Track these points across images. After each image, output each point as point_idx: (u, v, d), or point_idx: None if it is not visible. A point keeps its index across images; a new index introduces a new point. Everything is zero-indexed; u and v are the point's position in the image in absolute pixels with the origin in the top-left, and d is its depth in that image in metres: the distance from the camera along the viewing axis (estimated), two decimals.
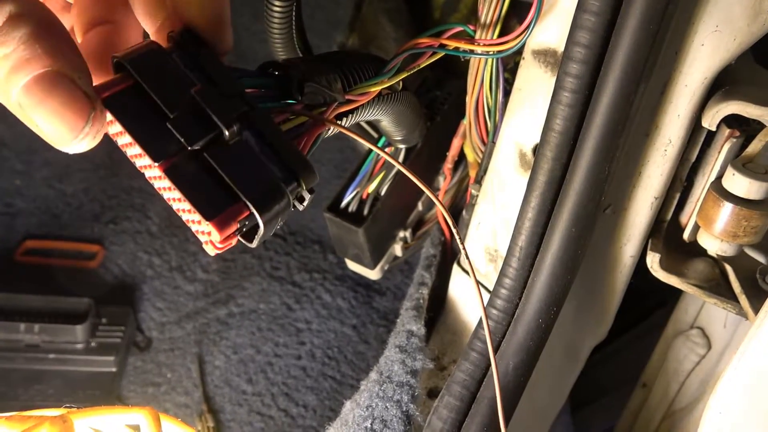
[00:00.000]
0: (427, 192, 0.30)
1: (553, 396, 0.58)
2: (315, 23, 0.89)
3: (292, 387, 0.82)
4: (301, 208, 0.27)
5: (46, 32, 0.23)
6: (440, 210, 0.59)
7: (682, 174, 0.41)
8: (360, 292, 0.91)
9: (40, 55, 0.23)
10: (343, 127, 0.31)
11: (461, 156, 0.57)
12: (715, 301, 0.40)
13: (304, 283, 0.91)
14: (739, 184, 0.36)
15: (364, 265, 0.60)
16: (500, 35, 0.41)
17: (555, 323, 0.40)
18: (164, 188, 0.25)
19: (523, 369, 0.40)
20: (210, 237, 0.25)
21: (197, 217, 0.25)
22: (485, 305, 0.42)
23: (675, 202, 0.42)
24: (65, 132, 0.23)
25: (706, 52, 0.35)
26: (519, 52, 0.42)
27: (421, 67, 0.39)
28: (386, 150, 0.55)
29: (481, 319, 0.42)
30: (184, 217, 0.26)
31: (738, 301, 0.39)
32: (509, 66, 0.51)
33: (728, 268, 0.39)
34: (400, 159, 0.56)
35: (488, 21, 0.42)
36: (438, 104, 0.59)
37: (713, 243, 0.38)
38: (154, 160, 0.24)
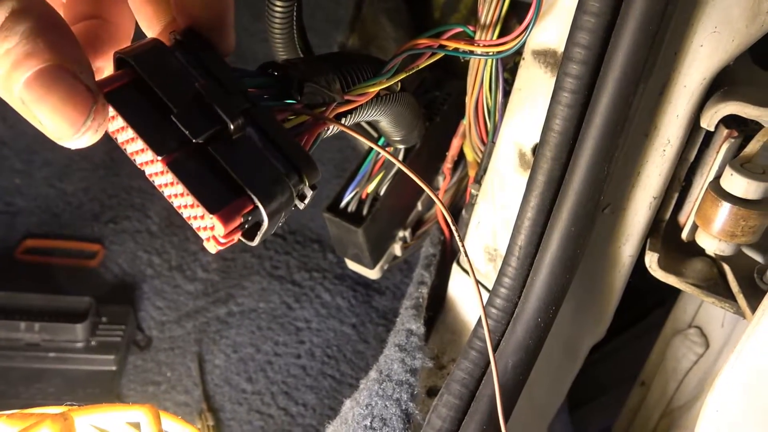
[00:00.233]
0: (426, 190, 0.31)
1: (551, 394, 0.58)
2: (315, 23, 0.89)
3: (292, 386, 0.82)
4: (302, 206, 0.27)
5: (47, 27, 0.23)
6: (440, 208, 0.59)
7: (680, 174, 0.41)
8: (359, 291, 0.91)
9: (42, 49, 0.23)
10: (344, 126, 0.31)
11: (461, 156, 0.57)
12: (713, 300, 0.40)
13: (304, 282, 0.92)
14: (737, 184, 0.36)
15: (364, 264, 0.60)
16: (500, 36, 0.41)
17: (554, 322, 0.40)
18: (166, 184, 0.25)
19: (522, 368, 0.40)
20: (213, 232, 0.25)
21: (200, 211, 0.25)
22: (485, 304, 0.42)
23: (673, 202, 0.42)
24: (66, 126, 0.23)
25: (704, 53, 0.35)
26: (519, 53, 0.43)
27: (420, 67, 0.40)
28: (387, 150, 0.56)
29: (480, 318, 0.43)
30: (186, 213, 0.26)
31: (736, 301, 0.39)
32: (509, 66, 0.51)
33: (726, 268, 0.40)
34: (399, 159, 0.56)
35: (488, 21, 0.42)
36: (437, 104, 0.60)
37: (711, 242, 0.38)
38: (158, 154, 0.24)
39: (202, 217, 0.25)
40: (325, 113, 0.32)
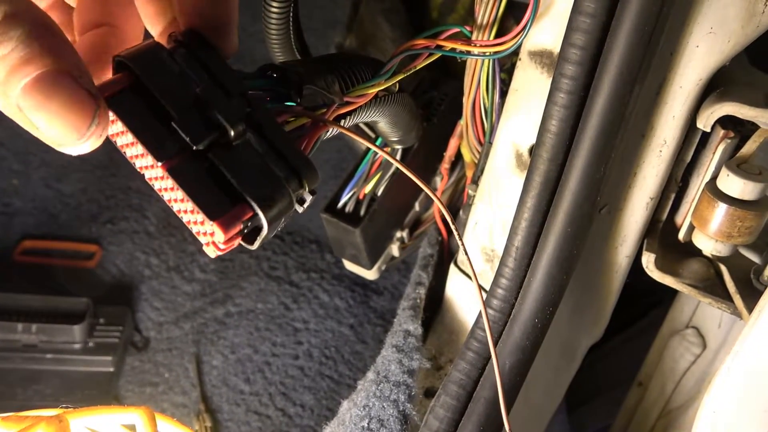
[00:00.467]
0: (425, 189, 0.31)
1: (549, 395, 0.58)
2: (313, 23, 0.89)
3: (290, 386, 0.82)
4: (300, 210, 0.27)
5: (43, 31, 0.23)
6: (439, 207, 0.59)
7: (677, 174, 0.41)
8: (357, 291, 0.91)
9: (39, 54, 0.22)
10: (345, 128, 0.31)
11: (458, 156, 0.57)
12: (710, 301, 0.40)
13: (302, 283, 0.92)
14: (733, 184, 0.36)
15: (361, 265, 0.60)
16: (497, 36, 0.41)
17: (551, 323, 0.40)
18: (165, 189, 0.25)
19: (520, 368, 0.40)
20: (213, 238, 0.25)
21: (200, 217, 0.24)
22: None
23: (670, 203, 0.42)
24: (69, 133, 0.23)
25: (700, 54, 0.35)
26: (516, 53, 0.43)
27: (418, 68, 0.40)
28: (384, 150, 0.56)
29: (478, 318, 0.42)
30: (185, 218, 0.26)
31: (732, 301, 0.39)
32: (506, 66, 0.51)
33: (723, 268, 0.40)
34: (397, 160, 0.56)
35: (485, 22, 0.42)
36: (435, 105, 0.60)
37: (708, 243, 0.38)
38: (158, 159, 0.24)
39: (201, 223, 0.25)
40: (325, 115, 0.32)
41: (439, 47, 0.40)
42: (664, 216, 0.43)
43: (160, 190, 0.25)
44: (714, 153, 0.38)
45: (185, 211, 0.25)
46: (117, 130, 0.25)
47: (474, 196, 0.51)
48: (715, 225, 0.37)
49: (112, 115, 0.25)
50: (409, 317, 0.52)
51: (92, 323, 0.82)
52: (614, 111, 0.34)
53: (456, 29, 0.41)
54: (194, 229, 0.26)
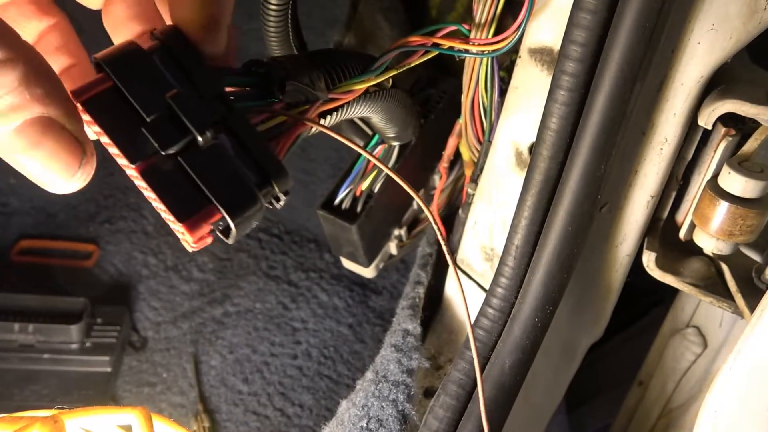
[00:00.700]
0: (412, 194, 0.30)
1: (549, 394, 0.58)
2: (312, 22, 0.89)
3: (288, 386, 0.82)
4: (278, 206, 0.28)
5: (36, 77, 0.23)
6: (433, 207, 0.58)
7: (678, 172, 0.41)
8: (356, 291, 0.90)
9: (30, 101, 0.23)
10: (323, 126, 0.31)
11: (457, 155, 0.57)
12: (711, 300, 0.40)
13: (301, 283, 0.91)
14: (735, 182, 0.35)
15: (359, 263, 0.60)
16: (495, 34, 0.41)
17: (551, 322, 0.40)
18: (143, 187, 0.26)
19: (520, 368, 0.40)
20: (184, 236, 0.26)
21: (171, 216, 0.25)
22: (482, 304, 0.42)
23: (671, 201, 0.42)
24: (61, 174, 0.24)
25: (702, 51, 0.35)
26: (515, 51, 0.42)
27: (412, 65, 0.39)
28: (378, 148, 0.55)
29: (477, 317, 0.42)
30: (163, 215, 0.26)
31: (734, 300, 0.39)
32: (505, 64, 0.51)
33: (724, 267, 0.39)
34: (394, 157, 0.56)
35: (483, 20, 0.41)
36: (433, 103, 0.59)
37: (709, 241, 0.38)
38: (130, 161, 0.25)
39: (174, 222, 0.26)
40: (308, 112, 0.31)
41: (436, 45, 0.40)
42: (665, 214, 0.42)
43: (140, 187, 0.26)
44: (715, 151, 0.38)
45: (161, 209, 0.26)
46: (98, 129, 0.25)
47: (473, 195, 0.51)
48: (717, 223, 0.37)
49: (88, 117, 0.25)
50: (408, 316, 0.52)
51: (89, 323, 0.82)
52: (615, 108, 0.33)
53: (454, 27, 0.41)
54: (171, 225, 0.26)
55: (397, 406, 0.46)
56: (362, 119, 0.53)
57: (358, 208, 0.55)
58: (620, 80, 0.33)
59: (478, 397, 0.41)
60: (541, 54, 0.41)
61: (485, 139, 0.49)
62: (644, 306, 0.76)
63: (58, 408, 0.40)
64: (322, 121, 0.34)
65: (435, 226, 0.32)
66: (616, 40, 0.32)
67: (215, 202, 0.25)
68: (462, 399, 0.42)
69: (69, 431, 0.38)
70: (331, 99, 0.34)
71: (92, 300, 0.84)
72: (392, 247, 0.62)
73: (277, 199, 0.28)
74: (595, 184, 0.36)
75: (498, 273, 0.41)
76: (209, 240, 0.26)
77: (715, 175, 0.38)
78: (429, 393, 0.51)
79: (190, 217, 0.25)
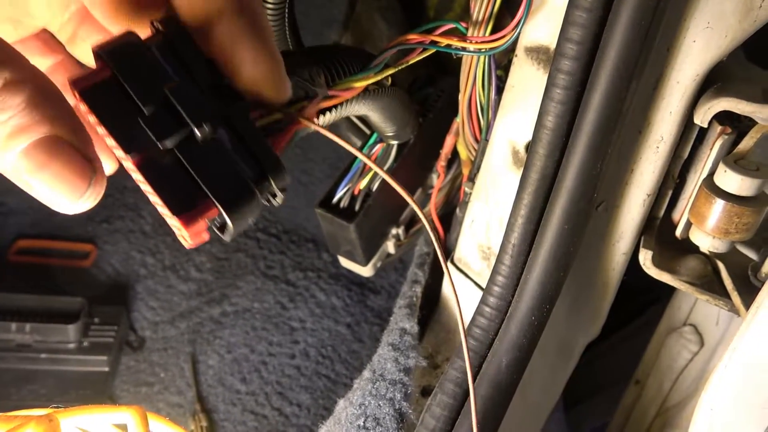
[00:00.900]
0: (406, 198, 0.31)
1: (546, 393, 0.58)
2: (309, 21, 0.89)
3: (286, 386, 0.81)
4: (275, 203, 0.27)
5: (43, 98, 0.23)
6: (432, 205, 0.58)
7: (674, 171, 0.41)
8: (354, 290, 0.90)
9: (38, 121, 0.23)
10: (318, 125, 0.31)
11: (455, 154, 0.57)
12: (708, 298, 0.40)
13: (298, 282, 0.91)
14: (730, 180, 0.36)
15: (357, 261, 0.60)
16: (492, 32, 0.41)
17: (548, 321, 0.40)
18: (140, 180, 0.25)
19: (516, 366, 0.40)
20: (180, 232, 0.26)
21: (167, 211, 0.25)
22: (479, 302, 0.42)
23: (667, 199, 0.42)
24: (68, 195, 0.24)
25: (697, 49, 0.35)
26: (512, 50, 0.42)
27: (411, 63, 0.39)
28: (377, 147, 0.55)
29: (474, 316, 0.42)
30: (159, 209, 0.26)
31: (730, 298, 0.39)
32: (503, 63, 0.51)
33: (720, 265, 0.39)
34: (392, 155, 0.56)
35: (480, 18, 0.41)
36: (431, 101, 0.59)
37: (705, 240, 0.38)
38: (127, 153, 0.24)
39: (170, 216, 0.25)
40: (309, 108, 0.31)
41: (433, 43, 0.40)
42: (661, 213, 0.42)
43: (137, 180, 0.26)
44: (711, 149, 0.38)
45: (157, 204, 0.26)
46: (95, 119, 0.25)
47: (470, 193, 0.51)
48: (713, 221, 0.37)
49: (85, 108, 0.25)
50: (406, 315, 0.52)
51: (87, 323, 0.82)
52: (611, 107, 0.33)
53: (451, 25, 0.41)
54: (167, 220, 0.26)
55: (395, 405, 0.46)
56: (361, 118, 0.53)
57: (356, 207, 0.55)
58: (616, 78, 0.33)
59: (475, 395, 0.41)
60: (537, 53, 0.41)
61: (482, 138, 0.49)
62: (641, 305, 0.76)
63: (54, 407, 0.40)
64: (321, 118, 0.34)
65: (428, 229, 0.32)
66: (611, 38, 0.32)
67: (211, 198, 0.25)
68: (459, 397, 0.42)
69: (64, 430, 0.38)
70: (331, 96, 0.34)
71: (90, 300, 0.83)
72: (390, 246, 0.62)
73: (274, 196, 0.27)
74: (591, 182, 0.36)
75: (495, 271, 0.41)
76: (206, 236, 0.26)
77: (711, 174, 0.38)
78: (426, 392, 0.51)
79: (186, 211, 0.25)
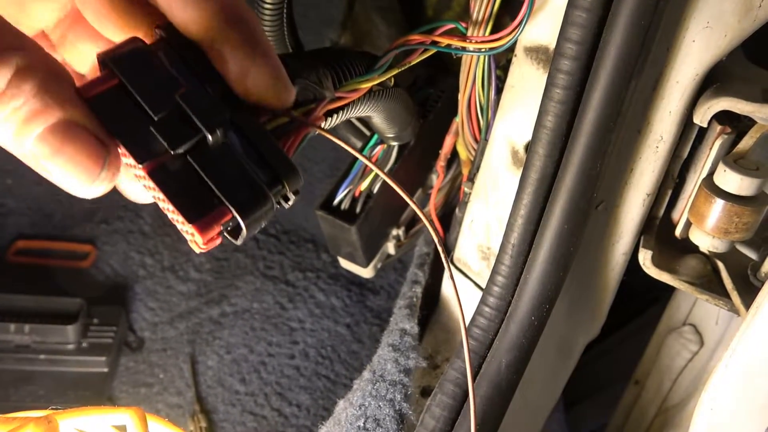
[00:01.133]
0: (407, 199, 0.30)
1: (546, 393, 0.58)
2: (308, 21, 0.89)
3: (286, 386, 0.81)
4: (286, 206, 0.27)
5: (54, 83, 0.23)
6: (431, 205, 0.58)
7: (673, 170, 0.41)
8: (354, 290, 0.90)
9: (51, 106, 0.23)
10: (323, 129, 0.31)
11: (455, 154, 0.57)
12: (707, 298, 0.40)
13: (298, 282, 0.91)
14: (730, 180, 0.36)
15: (357, 263, 0.60)
16: (492, 32, 0.41)
17: (548, 321, 0.40)
18: (150, 187, 0.25)
19: (516, 366, 0.40)
20: (194, 238, 0.25)
21: (180, 218, 0.25)
22: (479, 302, 0.42)
23: (667, 199, 0.42)
24: (82, 179, 0.24)
25: (697, 49, 0.35)
26: (511, 50, 0.42)
27: (413, 63, 0.39)
28: (378, 148, 0.55)
29: (474, 316, 0.42)
30: (170, 216, 0.26)
31: (730, 298, 0.39)
32: (502, 63, 0.51)
33: (720, 265, 0.39)
34: (393, 157, 0.56)
35: (480, 18, 0.41)
36: (431, 102, 0.59)
37: (705, 239, 0.38)
38: (138, 161, 0.24)
39: (183, 223, 0.25)
40: (316, 110, 0.31)
41: (434, 43, 0.40)
42: (661, 212, 0.42)
43: (147, 187, 0.26)
44: (711, 149, 0.38)
45: (169, 210, 0.25)
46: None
47: (470, 193, 0.51)
48: (712, 221, 0.37)
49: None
50: (406, 316, 0.52)
51: (86, 323, 0.82)
52: (610, 106, 0.33)
53: (451, 25, 0.41)
54: (178, 226, 0.26)
55: (395, 406, 0.46)
56: (362, 119, 0.53)
57: (358, 209, 0.55)
58: (615, 78, 0.33)
59: (475, 396, 0.41)
60: (536, 52, 0.41)
61: (482, 138, 0.49)
62: (641, 304, 0.76)
63: (53, 408, 0.40)
64: (327, 120, 0.34)
65: (431, 230, 0.32)
66: (611, 38, 0.32)
67: (226, 203, 0.25)
68: (458, 397, 0.42)
69: (63, 431, 0.38)
70: (338, 98, 0.34)
71: (89, 300, 0.83)
72: (390, 247, 0.62)
73: (287, 199, 0.27)
74: (590, 182, 0.36)
75: (494, 271, 0.41)
76: (218, 241, 0.26)
77: (711, 173, 0.38)
78: (426, 392, 0.51)
79: (201, 218, 0.24)
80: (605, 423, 0.69)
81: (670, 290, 0.56)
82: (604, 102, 0.33)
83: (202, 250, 0.26)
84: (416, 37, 0.39)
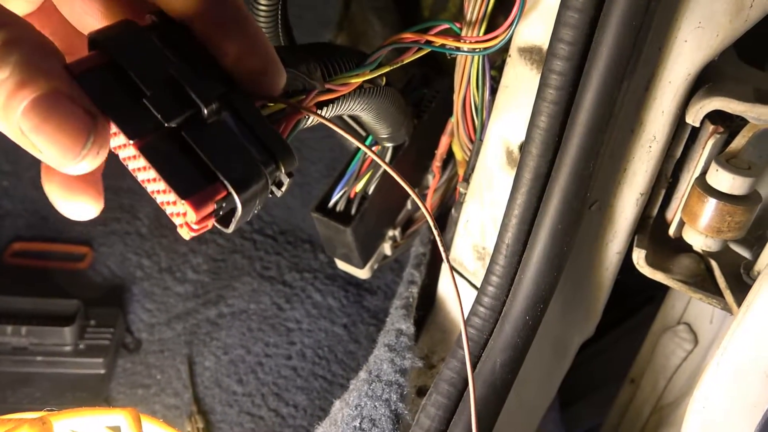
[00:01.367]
0: (410, 192, 0.30)
1: (541, 393, 0.58)
2: (304, 22, 0.89)
3: (283, 387, 0.81)
4: (279, 194, 0.27)
5: (40, 55, 0.23)
6: (424, 212, 0.59)
7: (667, 170, 0.41)
8: (351, 291, 0.91)
9: (36, 77, 0.22)
10: (321, 116, 0.31)
11: (450, 154, 0.57)
12: (701, 297, 0.40)
13: (295, 283, 0.91)
14: (722, 179, 0.36)
15: (353, 264, 0.60)
16: (486, 32, 0.41)
17: (542, 320, 0.40)
18: (139, 168, 0.25)
19: (511, 366, 0.40)
20: (186, 218, 0.25)
21: (172, 197, 0.24)
22: (474, 302, 0.42)
23: (660, 199, 0.42)
24: (63, 152, 0.23)
25: (689, 49, 0.35)
26: (506, 50, 0.42)
27: (405, 62, 0.39)
28: (372, 149, 0.55)
29: (469, 316, 0.42)
30: (159, 198, 0.25)
31: (723, 297, 0.39)
32: (497, 63, 0.51)
33: (713, 264, 0.40)
34: (388, 158, 0.56)
35: (474, 18, 0.42)
36: (426, 102, 0.59)
37: (698, 238, 0.38)
38: (129, 137, 0.24)
39: (174, 203, 0.24)
40: (305, 101, 0.31)
41: (428, 42, 0.40)
42: (655, 212, 0.42)
43: (134, 170, 0.25)
44: (703, 148, 0.38)
45: (159, 191, 0.25)
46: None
47: (465, 194, 0.51)
48: (705, 220, 0.37)
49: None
50: (402, 316, 0.52)
51: (83, 325, 0.82)
52: (603, 106, 0.34)
53: (446, 25, 0.41)
54: (168, 209, 0.25)
55: (390, 406, 0.46)
56: (355, 120, 0.53)
57: (353, 210, 0.55)
58: (608, 78, 0.33)
59: (469, 396, 0.41)
60: (530, 53, 0.41)
61: (477, 138, 0.49)
62: (635, 304, 0.77)
63: (48, 410, 0.40)
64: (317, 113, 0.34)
65: (431, 223, 0.32)
66: (603, 39, 0.32)
67: (221, 178, 0.24)
68: (454, 397, 0.42)
69: None
70: (327, 90, 0.34)
71: (86, 302, 0.83)
72: (386, 248, 0.63)
73: (280, 184, 0.26)
74: (583, 182, 0.36)
75: (489, 271, 0.41)
76: (210, 223, 0.25)
77: (704, 173, 0.38)
78: (422, 392, 0.52)
79: (195, 193, 0.24)
80: (601, 422, 0.69)
81: (664, 289, 0.57)
82: (596, 102, 0.33)
83: (193, 233, 0.25)
84: (409, 36, 0.39)
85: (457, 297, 0.34)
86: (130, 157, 0.25)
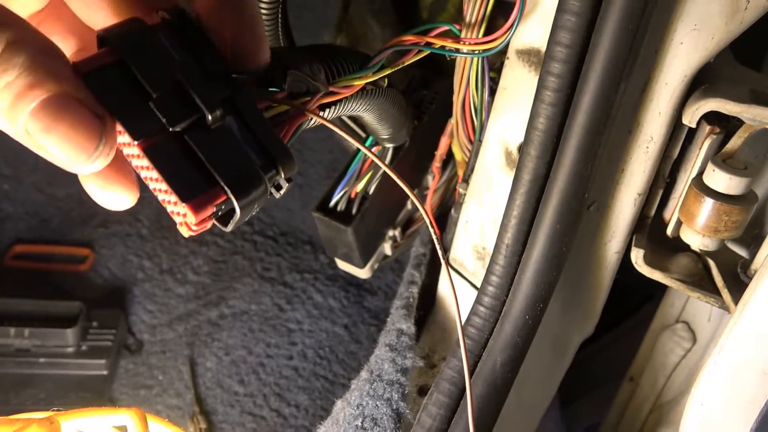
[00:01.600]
0: (408, 192, 0.31)
1: (541, 391, 0.58)
2: (303, 24, 0.89)
3: (284, 387, 0.82)
4: (277, 196, 0.27)
5: (46, 57, 0.23)
6: (428, 206, 0.59)
7: (664, 170, 0.41)
8: (351, 291, 0.91)
9: (44, 79, 0.22)
10: (324, 118, 0.31)
11: (450, 155, 0.58)
12: (699, 295, 0.40)
13: (296, 284, 0.92)
14: (719, 179, 0.36)
15: (354, 264, 0.60)
16: (486, 34, 0.42)
17: (542, 319, 0.41)
18: (142, 167, 0.25)
19: (511, 365, 0.41)
20: (185, 219, 0.25)
21: (173, 198, 0.24)
22: (474, 302, 0.43)
23: (658, 199, 0.42)
24: (77, 154, 0.23)
25: (685, 50, 0.35)
26: (504, 52, 0.43)
27: (406, 64, 0.40)
28: (373, 150, 0.56)
29: (469, 316, 0.43)
30: (161, 197, 0.26)
31: (721, 295, 0.39)
32: (496, 65, 0.52)
33: (711, 263, 0.40)
34: (388, 158, 0.56)
35: (473, 20, 0.42)
36: (426, 104, 0.60)
37: (695, 238, 0.39)
38: (134, 138, 0.24)
39: (175, 203, 0.25)
40: (309, 103, 0.32)
41: (428, 44, 0.40)
42: (653, 212, 0.43)
43: (137, 167, 0.25)
44: (700, 149, 0.38)
45: (161, 191, 0.25)
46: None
47: (465, 194, 0.51)
48: (702, 220, 0.37)
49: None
50: (402, 316, 0.52)
51: (85, 327, 0.82)
52: (600, 108, 0.34)
53: (445, 27, 0.41)
54: (169, 208, 0.26)
55: (392, 405, 0.46)
56: (355, 121, 0.54)
57: (354, 210, 0.56)
58: (605, 80, 0.33)
59: (470, 392, 0.42)
60: (528, 55, 0.41)
61: (476, 139, 0.49)
62: (634, 303, 0.77)
63: (55, 410, 0.40)
64: (320, 115, 0.34)
65: (429, 224, 0.33)
66: (600, 42, 0.33)
67: (222, 183, 0.25)
68: (455, 396, 0.42)
69: None
70: (331, 92, 0.34)
71: (88, 303, 0.84)
72: (387, 248, 0.63)
73: (279, 187, 0.27)
74: (582, 182, 0.36)
75: (489, 271, 0.41)
76: (209, 224, 0.26)
77: (701, 173, 0.38)
78: (423, 391, 0.52)
79: (195, 197, 0.24)
80: (600, 420, 0.70)
81: (662, 288, 0.57)
82: (594, 104, 0.34)
83: (192, 233, 0.25)
84: (410, 38, 0.39)
85: (456, 297, 0.34)
86: (134, 155, 0.25)
